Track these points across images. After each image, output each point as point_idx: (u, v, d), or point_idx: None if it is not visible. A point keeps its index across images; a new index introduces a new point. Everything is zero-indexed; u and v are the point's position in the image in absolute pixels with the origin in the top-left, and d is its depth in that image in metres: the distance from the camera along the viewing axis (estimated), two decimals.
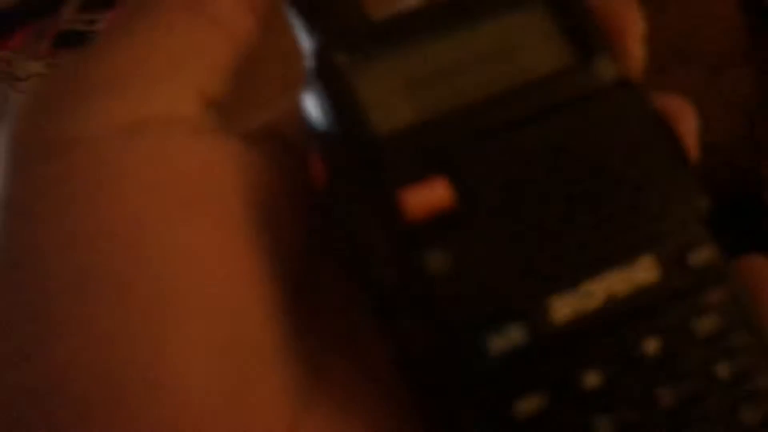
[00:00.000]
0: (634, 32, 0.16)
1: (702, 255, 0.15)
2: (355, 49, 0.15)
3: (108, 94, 0.14)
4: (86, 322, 0.13)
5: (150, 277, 0.13)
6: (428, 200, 0.14)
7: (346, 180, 0.15)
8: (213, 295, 0.14)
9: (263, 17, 0.16)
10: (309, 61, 0.15)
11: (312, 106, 0.15)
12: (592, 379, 0.14)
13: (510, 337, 0.14)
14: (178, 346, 0.13)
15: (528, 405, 0.14)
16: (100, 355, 0.13)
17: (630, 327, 0.14)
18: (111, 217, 0.13)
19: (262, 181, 0.15)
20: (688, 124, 0.16)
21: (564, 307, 0.14)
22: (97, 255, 0.13)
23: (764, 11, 0.83)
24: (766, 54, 0.82)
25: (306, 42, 0.16)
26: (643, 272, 0.14)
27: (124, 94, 0.14)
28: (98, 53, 0.14)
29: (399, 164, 0.14)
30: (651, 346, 0.14)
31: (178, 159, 0.14)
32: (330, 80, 0.15)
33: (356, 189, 0.14)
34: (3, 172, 0.13)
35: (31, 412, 0.12)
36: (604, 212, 0.14)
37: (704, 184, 0.16)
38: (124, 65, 0.14)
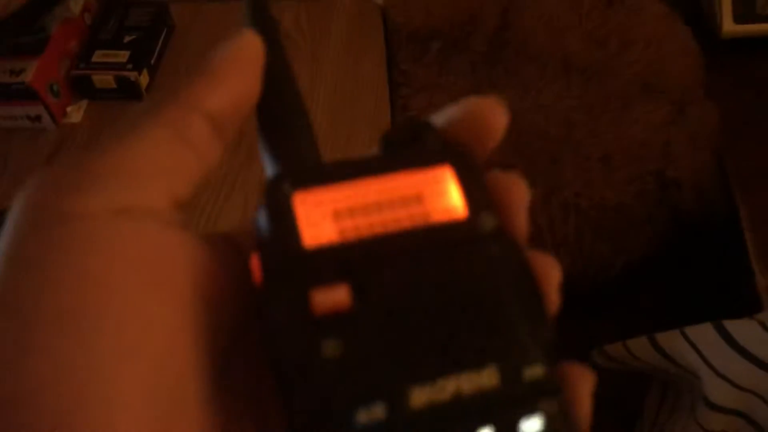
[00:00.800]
0: (519, 203, 0.21)
1: (534, 371, 0.18)
2: (301, 182, 0.19)
3: (104, 185, 0.18)
4: (57, 349, 0.16)
5: (111, 323, 0.17)
6: (331, 300, 0.18)
7: (276, 279, 0.19)
8: (155, 352, 0.17)
9: (229, 147, 0.21)
10: (266, 185, 0.20)
11: (261, 220, 0.19)
12: None
13: (374, 413, 0.17)
14: (122, 387, 0.16)
15: None
16: (64, 376, 0.16)
17: (469, 420, 0.17)
18: (87, 279, 0.17)
19: (208, 271, 0.19)
20: (552, 276, 0.20)
21: (421, 395, 0.17)
22: (71, 301, 0.16)
23: (719, 43, 0.82)
24: (725, 86, 0.80)
25: (268, 169, 0.21)
26: (487, 378, 0.18)
27: (116, 187, 0.18)
28: (101, 151, 0.19)
29: (316, 271, 0.18)
30: None
31: (147, 242, 0.18)
32: (275, 204, 0.19)
33: (281, 286, 0.18)
34: (13, 229, 0.17)
35: (5, 420, 0.15)
36: (466, 327, 0.18)
37: (554, 322, 0.19)
38: (118, 165, 0.18)
